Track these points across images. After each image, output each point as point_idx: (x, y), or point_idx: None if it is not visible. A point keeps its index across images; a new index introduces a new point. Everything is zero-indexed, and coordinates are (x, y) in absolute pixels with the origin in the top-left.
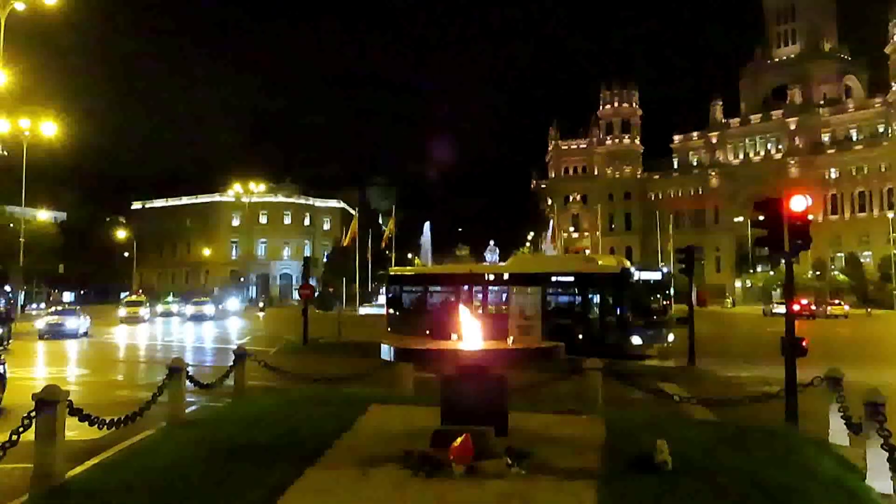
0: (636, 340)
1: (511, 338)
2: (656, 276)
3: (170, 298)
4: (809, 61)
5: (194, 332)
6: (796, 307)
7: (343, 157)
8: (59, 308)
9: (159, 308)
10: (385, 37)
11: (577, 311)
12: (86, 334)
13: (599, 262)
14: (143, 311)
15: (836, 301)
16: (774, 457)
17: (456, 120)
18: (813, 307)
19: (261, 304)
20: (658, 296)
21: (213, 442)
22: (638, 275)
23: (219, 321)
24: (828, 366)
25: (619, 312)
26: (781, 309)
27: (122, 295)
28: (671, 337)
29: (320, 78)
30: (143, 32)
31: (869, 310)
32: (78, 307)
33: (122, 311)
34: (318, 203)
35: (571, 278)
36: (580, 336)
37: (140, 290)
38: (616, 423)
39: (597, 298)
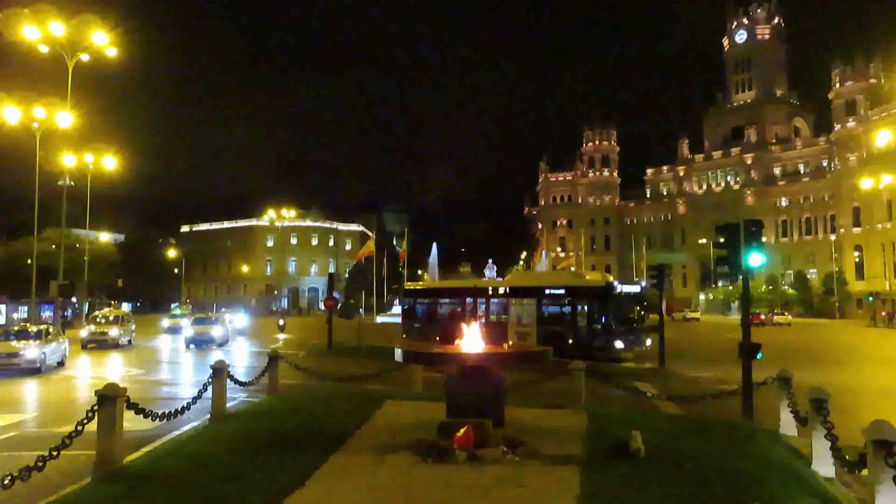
0: (619, 345)
1: (509, 343)
2: (635, 289)
3: (178, 311)
4: (763, 105)
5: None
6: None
7: (362, 188)
8: (17, 328)
9: (165, 323)
10: (401, 85)
11: (568, 320)
12: (61, 364)
13: (587, 278)
14: (117, 332)
15: (782, 312)
16: (733, 446)
17: (460, 155)
18: (763, 317)
19: (280, 322)
20: (636, 307)
21: (251, 432)
22: (620, 288)
23: (226, 347)
24: (777, 367)
25: (604, 321)
26: (692, 315)
27: (173, 306)
28: (648, 341)
29: (343, 119)
30: (192, 79)
31: (786, 314)
32: (53, 326)
33: (85, 332)
34: (341, 227)
35: (563, 291)
36: (570, 341)
37: (189, 301)
38: (597, 416)
39: (585, 308)
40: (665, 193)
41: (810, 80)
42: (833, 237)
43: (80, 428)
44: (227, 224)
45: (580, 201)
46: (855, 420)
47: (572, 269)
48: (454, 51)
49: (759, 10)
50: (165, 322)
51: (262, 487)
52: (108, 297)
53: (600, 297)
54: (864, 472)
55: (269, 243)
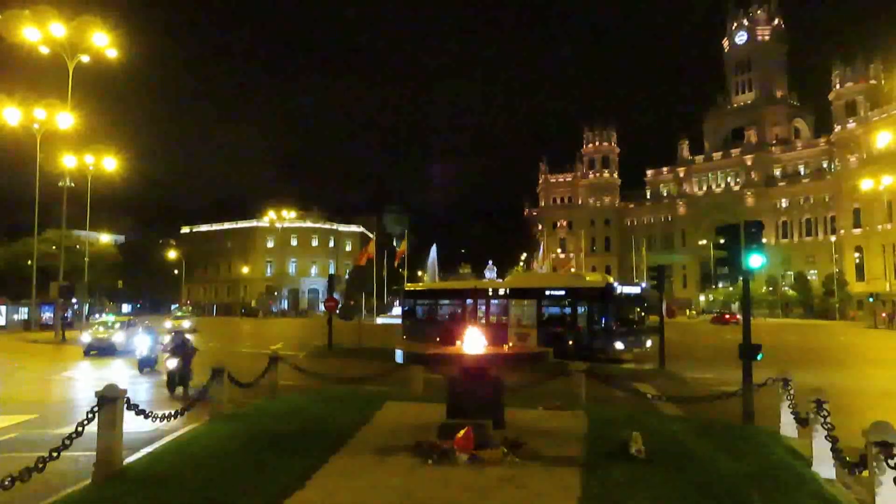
0: (619, 346)
1: (509, 344)
2: (636, 290)
3: (110, 317)
4: (763, 106)
5: None
6: (725, 317)
7: (362, 189)
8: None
9: (85, 338)
10: (401, 85)
11: (568, 321)
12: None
13: (587, 279)
14: None
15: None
16: (733, 447)
17: (460, 156)
18: (739, 317)
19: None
20: (637, 308)
21: (252, 433)
22: (620, 289)
23: None
24: (776, 369)
25: (604, 322)
26: None
27: (173, 307)
28: (649, 342)
29: (344, 120)
30: (192, 80)
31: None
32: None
33: None
34: (341, 228)
35: (563, 292)
36: (570, 342)
37: (188, 302)
38: (597, 418)
39: (585, 310)
40: (665, 194)
41: (810, 81)
42: (833, 238)
43: (80, 429)
44: (227, 225)
45: (580, 202)
46: (855, 421)
47: (572, 270)
48: (454, 52)
49: (759, 11)
50: (85, 336)
51: (263, 489)
52: (108, 298)
53: (600, 299)
54: (865, 473)
55: (270, 244)
